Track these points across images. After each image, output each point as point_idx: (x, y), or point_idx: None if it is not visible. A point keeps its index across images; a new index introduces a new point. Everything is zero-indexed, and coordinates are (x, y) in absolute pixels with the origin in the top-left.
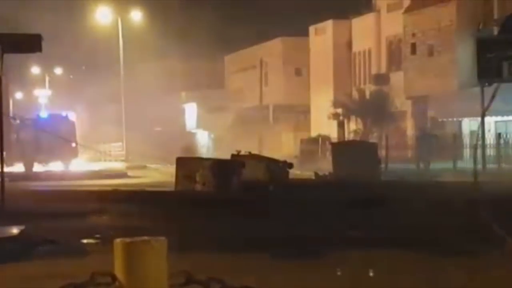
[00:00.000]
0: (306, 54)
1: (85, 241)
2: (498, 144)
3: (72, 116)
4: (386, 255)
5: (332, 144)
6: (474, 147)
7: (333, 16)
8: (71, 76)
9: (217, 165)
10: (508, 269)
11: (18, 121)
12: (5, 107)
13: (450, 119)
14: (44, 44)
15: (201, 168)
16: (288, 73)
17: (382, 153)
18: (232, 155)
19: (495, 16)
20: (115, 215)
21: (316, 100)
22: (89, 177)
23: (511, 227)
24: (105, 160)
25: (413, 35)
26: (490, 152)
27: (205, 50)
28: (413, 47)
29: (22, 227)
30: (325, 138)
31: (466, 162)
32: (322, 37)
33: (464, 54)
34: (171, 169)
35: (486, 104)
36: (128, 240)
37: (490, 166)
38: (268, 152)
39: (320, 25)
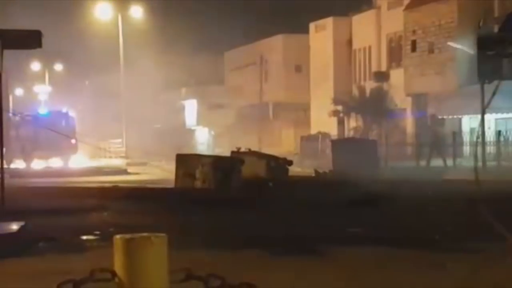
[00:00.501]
0: (306, 51)
1: (84, 237)
2: (498, 141)
3: (71, 112)
4: (385, 253)
5: (332, 141)
6: (475, 145)
7: (333, 13)
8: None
9: (217, 162)
10: (509, 267)
11: (17, 118)
12: (5, 104)
13: (450, 117)
14: (44, 40)
15: (201, 165)
16: (288, 70)
17: (382, 150)
18: (232, 152)
19: (496, 14)
20: (114, 211)
21: (316, 97)
22: (88, 173)
23: (511, 225)
24: (105, 157)
25: (414, 32)
26: (490, 149)
27: (205, 46)
28: (414, 44)
29: (22, 224)
30: (325, 135)
31: (466, 160)
32: (322, 34)
33: (464, 52)
34: (171, 166)
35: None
36: (128, 236)
37: (490, 163)
38: (268, 149)
39: (320, 22)
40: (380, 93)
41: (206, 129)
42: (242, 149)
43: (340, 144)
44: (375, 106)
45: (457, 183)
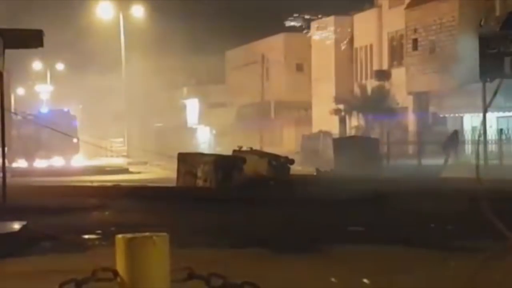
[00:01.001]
0: (307, 49)
1: (86, 236)
2: (500, 140)
3: (73, 111)
4: (386, 252)
5: (334, 140)
6: (477, 143)
7: (335, 12)
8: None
9: (219, 161)
10: (509, 266)
11: (19, 117)
12: (7, 103)
13: (451, 115)
14: (45, 40)
15: (202, 164)
16: (289, 68)
17: (383, 149)
18: (234, 151)
19: (497, 12)
20: (116, 211)
21: (318, 96)
22: (90, 172)
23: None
24: (106, 156)
25: (415, 30)
26: (492, 148)
27: (206, 45)
28: (415, 42)
29: (24, 223)
30: (327, 134)
31: (467, 158)
32: (324, 32)
33: (466, 50)
34: (172, 165)
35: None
36: (129, 235)
37: (492, 162)
38: (270, 147)
39: (321, 21)
40: (382, 92)
41: (207, 128)
42: (244, 148)
43: (341, 143)
44: (376, 104)
45: (459, 181)
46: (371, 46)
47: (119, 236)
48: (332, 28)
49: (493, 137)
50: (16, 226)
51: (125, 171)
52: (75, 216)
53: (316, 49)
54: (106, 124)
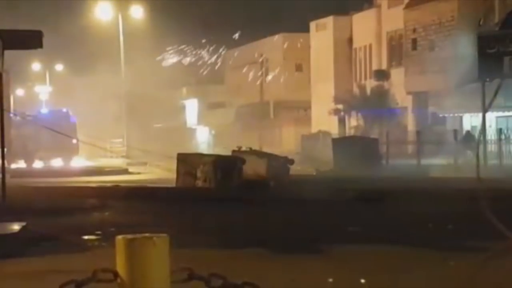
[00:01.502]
0: (306, 50)
1: (86, 237)
2: (499, 140)
3: (72, 112)
4: (386, 252)
5: (333, 140)
6: (477, 143)
7: (334, 12)
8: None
9: (218, 161)
10: (509, 266)
11: (18, 118)
12: (6, 104)
13: (451, 115)
14: (44, 40)
15: (202, 164)
16: (288, 68)
17: (383, 149)
18: (233, 151)
19: (496, 12)
20: (116, 211)
21: (317, 96)
22: (90, 173)
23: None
24: (105, 157)
25: (414, 30)
26: (491, 148)
27: (205, 45)
28: (414, 42)
29: (24, 223)
30: (326, 134)
31: (467, 158)
32: (322, 32)
33: (465, 50)
34: (172, 165)
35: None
36: (130, 236)
37: (492, 162)
38: (269, 148)
39: (320, 21)
40: (381, 92)
41: (206, 128)
42: (243, 148)
43: (341, 143)
44: (375, 104)
45: (458, 181)
46: (370, 46)
47: (119, 236)
48: (331, 28)
49: (493, 137)
50: (16, 226)
51: (124, 171)
52: (75, 216)
53: (315, 49)
54: (105, 125)
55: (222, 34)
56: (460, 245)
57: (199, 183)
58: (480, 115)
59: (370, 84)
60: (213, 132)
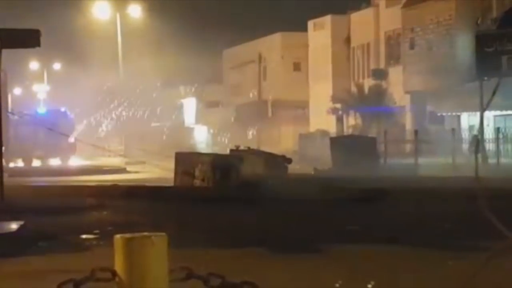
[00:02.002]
0: (305, 49)
1: (84, 236)
2: (497, 138)
3: (70, 111)
4: (385, 251)
5: (331, 139)
6: (476, 142)
7: (332, 11)
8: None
9: (216, 160)
10: (509, 266)
11: (16, 117)
12: (4, 103)
13: (449, 114)
14: (42, 39)
15: (200, 164)
16: (286, 68)
17: (381, 147)
18: (231, 150)
19: (494, 11)
20: (114, 210)
21: (315, 95)
22: (88, 172)
23: (510, 223)
24: (103, 156)
25: (412, 30)
26: (489, 146)
27: (203, 44)
28: (412, 41)
29: (22, 223)
30: (324, 133)
31: (465, 157)
32: (321, 32)
33: (463, 49)
34: (170, 164)
35: (484, 98)
36: (128, 235)
37: (490, 160)
38: (267, 147)
39: (318, 20)
40: (379, 91)
41: (205, 127)
42: (241, 147)
43: (339, 142)
44: (373, 103)
45: (456, 180)
46: (368, 45)
47: (118, 236)
48: (329, 27)
49: (491, 136)
50: (14, 226)
51: (122, 170)
52: (73, 216)
53: (313, 48)
54: (103, 124)
55: (220, 33)
56: (459, 244)
57: (197, 182)
58: (478, 114)
59: (368, 83)
60: (211, 131)
